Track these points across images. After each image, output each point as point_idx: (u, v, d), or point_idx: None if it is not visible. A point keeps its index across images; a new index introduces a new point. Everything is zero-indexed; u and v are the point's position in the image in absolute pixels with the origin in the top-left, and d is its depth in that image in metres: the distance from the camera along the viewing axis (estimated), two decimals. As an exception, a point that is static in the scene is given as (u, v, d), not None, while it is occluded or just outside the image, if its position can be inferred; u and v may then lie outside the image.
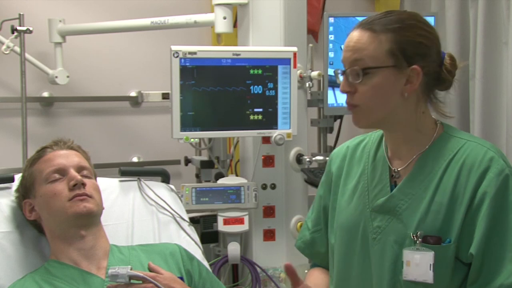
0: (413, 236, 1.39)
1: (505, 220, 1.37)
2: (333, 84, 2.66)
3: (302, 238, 1.71)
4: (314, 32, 3.35)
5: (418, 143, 1.47)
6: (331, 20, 2.64)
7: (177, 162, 3.24)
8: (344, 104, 2.64)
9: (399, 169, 1.49)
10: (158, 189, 2.06)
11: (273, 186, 2.57)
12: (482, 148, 1.42)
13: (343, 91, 1.43)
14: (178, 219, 2.03)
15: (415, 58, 1.40)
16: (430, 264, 1.37)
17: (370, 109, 1.43)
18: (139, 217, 1.97)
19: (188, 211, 2.18)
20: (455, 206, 1.39)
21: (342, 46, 2.59)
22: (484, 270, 1.37)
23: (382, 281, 1.44)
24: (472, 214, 1.38)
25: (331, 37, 2.64)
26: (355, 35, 1.44)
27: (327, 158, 1.73)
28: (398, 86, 1.41)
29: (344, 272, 1.53)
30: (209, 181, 2.84)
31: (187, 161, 3.11)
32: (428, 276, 1.38)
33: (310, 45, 2.59)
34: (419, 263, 1.38)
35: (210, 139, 2.76)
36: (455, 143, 1.46)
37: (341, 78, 1.45)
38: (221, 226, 2.41)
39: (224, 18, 2.50)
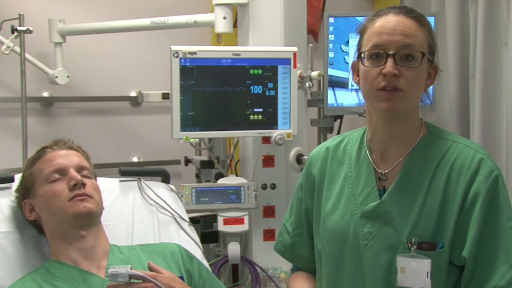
0: (408, 243, 1.39)
1: (497, 221, 1.37)
2: (333, 84, 2.66)
3: (282, 241, 1.70)
4: (314, 32, 3.35)
5: (406, 142, 1.46)
6: (331, 20, 2.64)
7: (177, 162, 3.24)
8: (344, 104, 2.68)
9: (385, 171, 1.48)
10: (158, 189, 2.06)
11: (273, 186, 2.57)
12: (470, 150, 1.42)
13: (390, 73, 1.37)
14: (178, 219, 2.03)
15: (435, 56, 1.44)
16: (428, 272, 1.37)
17: (411, 95, 1.41)
18: (139, 217, 1.96)
19: (188, 211, 2.18)
20: (447, 209, 1.39)
21: (343, 46, 2.63)
22: (478, 272, 1.36)
23: (376, 287, 1.43)
24: (464, 216, 1.38)
25: (331, 37, 2.64)
26: (401, 20, 1.40)
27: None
28: (425, 80, 1.44)
29: (335, 277, 1.51)
30: (209, 181, 2.85)
31: (187, 161, 3.11)
32: (426, 283, 1.37)
33: (310, 45, 2.59)
34: (415, 270, 1.37)
35: (210, 139, 2.76)
36: (442, 144, 1.45)
37: (389, 61, 1.37)
38: (221, 226, 2.41)
39: (224, 18, 2.50)
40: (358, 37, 1.49)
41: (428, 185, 1.41)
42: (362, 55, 1.43)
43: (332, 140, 1.63)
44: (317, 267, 1.60)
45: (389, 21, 1.41)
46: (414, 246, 1.38)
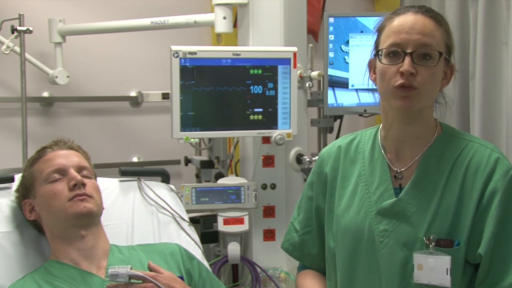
0: (426, 240, 1.40)
1: None
2: (333, 84, 2.66)
3: (289, 240, 1.70)
4: (314, 32, 3.35)
5: (421, 142, 1.48)
6: (331, 20, 2.64)
7: (177, 162, 3.24)
8: (344, 104, 2.68)
9: (401, 170, 1.49)
10: (158, 189, 2.06)
11: (273, 186, 2.57)
12: (486, 149, 1.44)
13: (407, 71, 1.38)
14: (178, 219, 2.03)
15: (452, 56, 1.45)
16: (447, 269, 1.38)
17: (426, 94, 1.42)
18: (139, 217, 1.96)
19: (188, 211, 2.18)
20: (463, 207, 1.40)
21: (343, 46, 2.63)
22: (493, 270, 1.38)
23: (392, 284, 1.44)
24: (480, 215, 1.39)
25: (331, 37, 2.64)
26: (419, 19, 1.42)
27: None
28: (441, 79, 1.45)
29: (349, 274, 1.52)
30: (209, 181, 2.84)
31: (187, 161, 3.11)
32: (445, 280, 1.38)
33: (310, 45, 2.59)
34: (433, 267, 1.38)
35: (210, 139, 2.76)
36: (457, 143, 1.46)
37: (406, 59, 1.38)
38: (221, 226, 2.41)
39: (224, 18, 2.51)
40: (376, 35, 1.49)
41: (444, 184, 1.43)
42: (380, 53, 1.44)
43: (343, 139, 1.64)
44: (328, 265, 1.61)
45: (407, 20, 1.42)
46: (433, 243, 1.39)
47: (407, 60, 1.38)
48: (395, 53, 1.41)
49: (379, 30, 1.48)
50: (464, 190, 1.41)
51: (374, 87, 1.51)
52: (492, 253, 1.38)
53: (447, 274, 1.38)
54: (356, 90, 2.67)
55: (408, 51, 1.39)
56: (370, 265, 1.48)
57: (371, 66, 1.52)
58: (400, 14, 1.44)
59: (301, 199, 1.70)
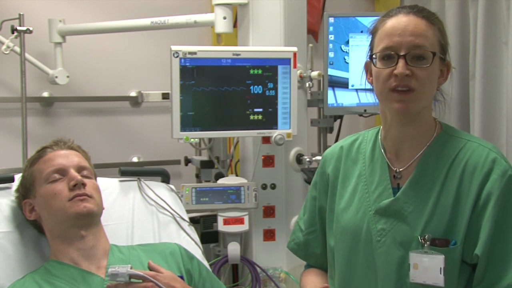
0: (421, 239, 1.40)
1: (510, 220, 1.38)
2: (333, 84, 2.66)
3: (295, 239, 1.71)
4: (314, 32, 3.35)
5: (420, 141, 1.48)
6: (331, 20, 2.64)
7: (177, 162, 3.24)
8: (344, 104, 2.68)
9: (400, 169, 1.49)
10: (158, 189, 2.06)
11: (273, 186, 2.57)
12: (484, 149, 1.43)
13: (401, 74, 1.38)
14: (178, 219, 2.03)
15: (447, 54, 1.45)
16: (441, 268, 1.38)
17: (424, 95, 1.42)
18: (139, 217, 1.97)
19: (188, 211, 2.18)
20: (459, 208, 1.40)
21: (343, 46, 2.63)
22: (490, 271, 1.38)
23: (388, 283, 1.44)
24: (476, 215, 1.39)
25: (331, 37, 2.64)
26: (411, 20, 1.42)
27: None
28: (437, 78, 1.45)
29: (347, 274, 1.53)
30: (209, 181, 2.85)
31: (187, 161, 3.12)
32: (438, 279, 1.38)
33: (310, 45, 2.59)
34: (428, 266, 1.38)
35: (210, 139, 2.76)
36: (456, 143, 1.46)
37: (400, 62, 1.38)
38: (221, 226, 2.41)
39: (224, 18, 2.51)
40: (370, 37, 1.50)
41: (441, 183, 1.43)
42: (374, 56, 1.44)
43: (346, 139, 1.65)
44: (329, 264, 1.62)
45: (399, 22, 1.42)
46: (428, 242, 1.39)
47: (400, 63, 1.39)
48: (389, 56, 1.41)
49: (373, 32, 1.48)
50: (461, 190, 1.41)
51: None
52: (489, 254, 1.37)
53: (440, 273, 1.38)
54: (356, 90, 2.67)
55: (401, 53, 1.39)
56: (368, 264, 1.48)
57: (368, 68, 1.52)
58: (392, 16, 1.44)
59: (306, 199, 1.71)
